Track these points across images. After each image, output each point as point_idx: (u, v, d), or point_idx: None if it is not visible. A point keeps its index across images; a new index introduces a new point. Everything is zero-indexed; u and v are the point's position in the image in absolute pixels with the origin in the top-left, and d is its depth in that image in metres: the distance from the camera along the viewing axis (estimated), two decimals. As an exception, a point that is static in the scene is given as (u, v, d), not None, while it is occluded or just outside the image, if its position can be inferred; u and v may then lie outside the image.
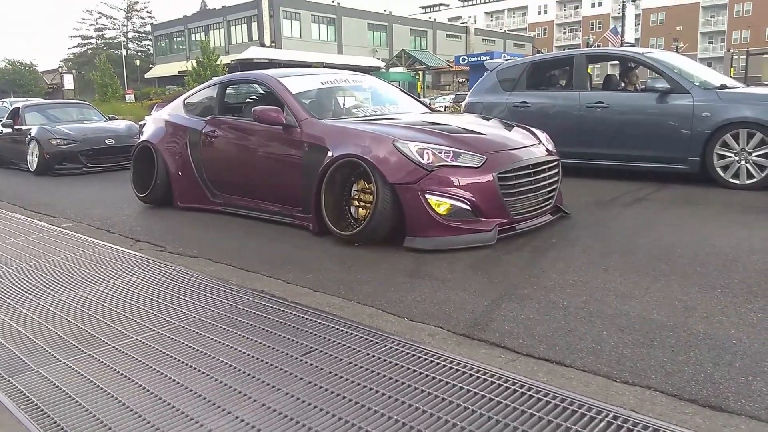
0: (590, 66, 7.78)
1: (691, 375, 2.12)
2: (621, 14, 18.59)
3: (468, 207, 3.88)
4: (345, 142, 4.28)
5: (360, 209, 4.21)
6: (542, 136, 4.72)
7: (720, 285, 3.04)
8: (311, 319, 2.75)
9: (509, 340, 2.49)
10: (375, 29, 52.05)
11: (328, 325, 2.67)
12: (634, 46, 63.40)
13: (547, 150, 4.53)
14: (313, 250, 4.11)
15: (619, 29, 19.30)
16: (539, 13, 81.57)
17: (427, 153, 3.92)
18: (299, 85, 5.16)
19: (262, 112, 4.70)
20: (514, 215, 4.06)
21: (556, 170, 4.48)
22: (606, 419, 1.84)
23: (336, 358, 2.34)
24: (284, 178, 4.74)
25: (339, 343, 2.47)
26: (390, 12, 53.23)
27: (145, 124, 6.68)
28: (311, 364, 2.29)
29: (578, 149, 6.56)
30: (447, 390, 2.06)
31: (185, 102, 6.09)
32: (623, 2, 18.50)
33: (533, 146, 4.43)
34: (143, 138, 6.18)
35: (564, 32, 79.94)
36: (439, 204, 3.85)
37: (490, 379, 2.13)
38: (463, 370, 2.21)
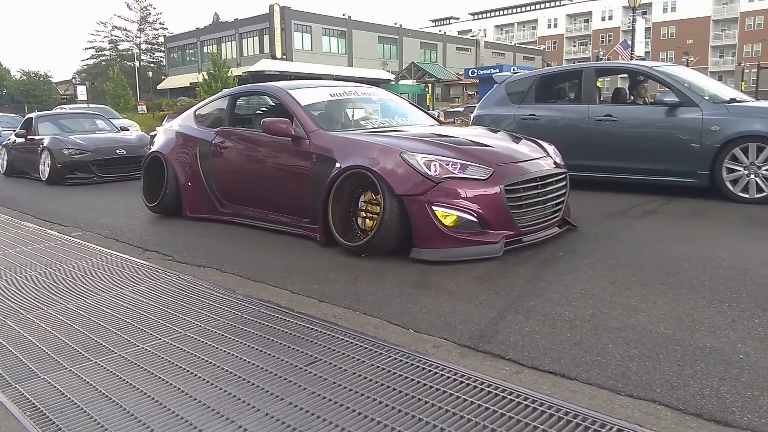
0: (599, 79, 7.77)
1: (696, 389, 2.11)
2: (631, 28, 18.58)
3: (475, 219, 3.88)
4: (353, 153, 4.30)
5: (367, 220, 4.22)
6: (550, 148, 4.72)
7: (728, 299, 3.02)
8: (316, 330, 2.75)
9: (514, 353, 2.48)
10: (385, 42, 52.35)
11: (333, 336, 2.67)
12: (644, 59, 63.04)
13: (555, 162, 4.53)
14: (319, 260, 4.12)
15: (630, 43, 19.29)
16: (549, 26, 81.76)
17: (435, 165, 3.93)
18: (308, 97, 5.19)
19: (271, 124, 4.72)
20: (521, 227, 4.06)
21: (564, 183, 4.48)
22: (610, 433, 1.83)
23: (340, 368, 2.34)
24: (292, 189, 4.76)
25: (343, 354, 2.48)
26: (400, 25, 53.52)
27: (156, 134, 6.75)
28: (315, 375, 2.30)
29: (587, 162, 6.55)
30: (450, 402, 2.06)
31: (196, 113, 6.14)
32: (633, 16, 18.50)
33: (541, 159, 4.43)
34: (154, 148, 6.24)
35: (574, 45, 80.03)
36: (446, 216, 3.85)
37: (494, 392, 2.12)
38: (467, 381, 2.21)
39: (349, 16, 49.25)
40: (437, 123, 5.77)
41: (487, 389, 2.14)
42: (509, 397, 2.08)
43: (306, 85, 5.65)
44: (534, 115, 7.15)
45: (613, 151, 6.46)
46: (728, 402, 2.01)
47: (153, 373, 2.34)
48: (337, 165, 4.30)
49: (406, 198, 3.90)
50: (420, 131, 4.86)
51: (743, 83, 46.09)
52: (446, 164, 3.95)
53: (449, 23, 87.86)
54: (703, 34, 68.49)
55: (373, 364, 2.37)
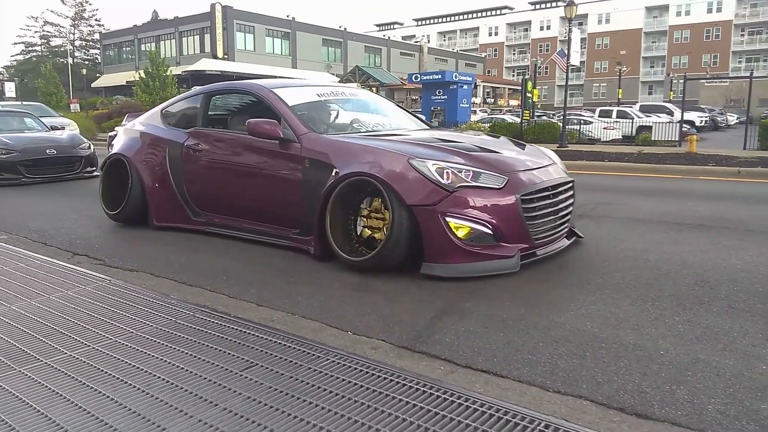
0: None
1: (620, 384, 2.21)
2: (567, 38, 19.26)
3: (490, 231, 3.61)
4: (353, 159, 3.95)
5: (366, 231, 3.91)
6: (554, 156, 4.55)
7: (651, 298, 3.18)
8: (253, 334, 2.72)
9: (449, 352, 2.54)
10: (329, 45, 52.25)
11: (270, 340, 2.65)
12: (580, 70, 64.40)
13: (562, 170, 4.35)
14: (258, 264, 4.08)
15: (566, 52, 20.01)
16: (490, 34, 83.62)
17: (447, 172, 3.64)
18: (295, 97, 4.80)
19: (256, 125, 4.34)
20: (535, 240, 3.81)
21: (572, 192, 4.29)
22: (538, 428, 1.89)
23: (277, 372, 2.33)
24: (280, 197, 4.38)
25: (280, 358, 2.46)
26: (345, 28, 53.52)
27: (115, 135, 6.09)
28: (251, 379, 2.27)
29: None
30: (386, 402, 2.08)
31: (163, 112, 5.68)
32: (569, 26, 19.19)
33: (549, 166, 4.20)
34: (115, 150, 5.65)
35: (514, 54, 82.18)
36: (459, 227, 3.57)
37: (429, 391, 2.16)
38: (403, 382, 2.24)
39: (293, 18, 48.89)
40: (427, 126, 5.47)
41: (422, 389, 2.17)
42: (443, 396, 2.12)
43: (290, 84, 5.24)
44: None
45: None
46: (649, 396, 2.12)
47: (80, 381, 2.26)
48: (335, 171, 3.94)
49: (417, 208, 3.59)
50: (422, 135, 4.54)
51: (672, 93, 48.53)
52: (458, 172, 3.66)
53: (393, 28, 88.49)
54: (635, 45, 71.64)
55: (310, 368, 2.37)
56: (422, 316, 2.97)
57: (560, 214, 4.03)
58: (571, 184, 4.27)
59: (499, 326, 2.82)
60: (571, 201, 4.24)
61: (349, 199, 3.94)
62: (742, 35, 66.71)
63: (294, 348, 2.57)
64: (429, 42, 69.61)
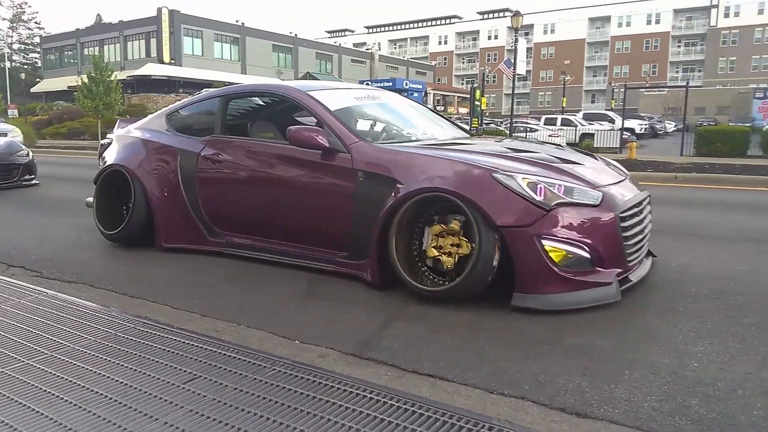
0: None
1: (561, 385, 2.27)
2: (514, 47, 19.78)
3: (588, 255, 3.17)
4: (421, 172, 3.44)
5: (447, 258, 3.32)
6: (623, 168, 4.21)
7: (592, 300, 3.27)
8: (197, 345, 2.66)
9: (397, 358, 2.54)
10: (280, 51, 51.89)
11: (215, 351, 2.60)
12: (526, 78, 66.02)
13: (636, 184, 3.95)
14: (203, 273, 3.99)
15: (512, 61, 20.51)
16: (440, 43, 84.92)
17: (540, 188, 3.18)
18: (335, 101, 4.22)
19: (298, 132, 3.82)
20: (629, 262, 3.41)
21: (650, 208, 3.91)
22: (482, 430, 1.92)
23: (221, 384, 2.28)
24: (324, 215, 3.86)
25: (225, 369, 2.42)
26: (295, 34, 53.29)
27: (108, 143, 5.44)
28: (194, 392, 2.22)
29: None
30: (333, 411, 2.07)
31: (169, 117, 5.04)
32: (516, 36, 19.70)
33: (627, 179, 3.84)
34: (113, 161, 4.96)
35: (463, 62, 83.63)
36: (552, 251, 3.12)
37: (376, 398, 2.16)
38: (350, 390, 2.23)
39: (243, 23, 48.38)
40: (468, 134, 4.99)
41: (369, 396, 2.17)
42: (390, 402, 2.12)
43: (324, 86, 4.71)
44: None
45: None
46: (588, 396, 2.18)
47: (12, 398, 2.16)
48: (399, 186, 3.45)
49: (507, 230, 3.11)
50: (489, 145, 4.10)
51: (613, 101, 50.29)
52: (551, 187, 3.22)
53: (344, 35, 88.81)
54: (579, 55, 74.05)
55: (256, 378, 2.33)
56: (371, 323, 2.97)
57: (645, 232, 3.67)
58: (649, 199, 3.91)
59: (446, 331, 2.84)
60: (650, 217, 3.87)
61: (415, 219, 3.47)
62: (679, 46, 69.94)
63: (239, 358, 2.52)
64: (380, 49, 70.03)
